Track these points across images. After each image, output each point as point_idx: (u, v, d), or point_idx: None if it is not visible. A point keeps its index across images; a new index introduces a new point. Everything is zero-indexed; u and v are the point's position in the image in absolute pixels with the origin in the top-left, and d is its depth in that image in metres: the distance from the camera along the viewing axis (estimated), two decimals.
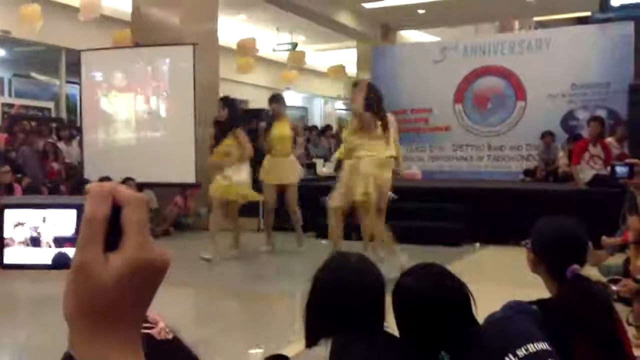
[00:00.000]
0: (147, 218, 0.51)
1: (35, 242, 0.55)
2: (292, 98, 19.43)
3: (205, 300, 5.30)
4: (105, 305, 0.48)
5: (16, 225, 0.55)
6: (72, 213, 0.54)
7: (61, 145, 9.69)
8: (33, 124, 10.64)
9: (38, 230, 0.55)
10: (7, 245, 0.55)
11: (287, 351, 2.86)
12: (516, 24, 16.33)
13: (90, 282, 0.48)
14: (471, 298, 1.58)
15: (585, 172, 7.64)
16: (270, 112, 7.06)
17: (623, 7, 10.13)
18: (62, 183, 8.61)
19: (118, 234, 0.49)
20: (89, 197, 0.49)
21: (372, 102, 5.42)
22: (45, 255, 0.56)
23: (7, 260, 0.56)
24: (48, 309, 4.43)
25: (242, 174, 6.51)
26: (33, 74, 14.67)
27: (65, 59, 13.10)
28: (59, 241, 0.55)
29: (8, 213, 0.55)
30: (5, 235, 0.55)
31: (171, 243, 7.98)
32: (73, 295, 0.48)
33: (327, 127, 14.12)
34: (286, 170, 6.81)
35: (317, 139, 12.24)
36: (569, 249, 1.88)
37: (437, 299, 1.55)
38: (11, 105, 12.92)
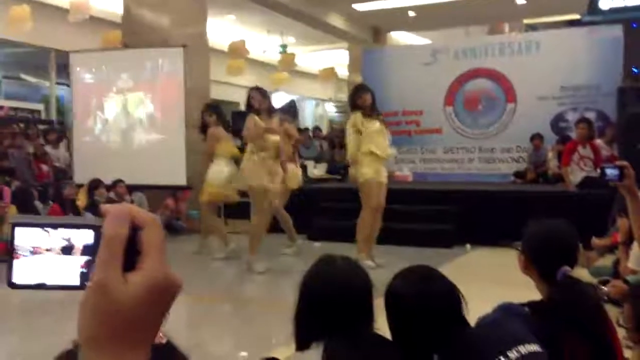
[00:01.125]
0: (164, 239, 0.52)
1: (66, 251, 0.53)
2: (283, 100, 19.42)
3: (197, 304, 5.28)
4: (123, 325, 0.48)
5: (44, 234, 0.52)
6: (90, 233, 0.52)
7: (48, 148, 9.63)
8: (22, 125, 10.57)
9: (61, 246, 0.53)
10: (37, 253, 0.52)
11: (278, 354, 2.86)
12: (506, 26, 16.42)
13: (109, 301, 0.48)
14: (462, 300, 1.58)
15: (575, 174, 7.68)
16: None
17: (612, 10, 10.22)
18: (51, 185, 8.54)
19: (135, 255, 0.50)
20: (108, 218, 0.50)
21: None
22: (67, 273, 0.53)
23: (18, 279, 0.52)
24: (40, 313, 4.40)
25: (211, 172, 6.66)
26: (22, 76, 14.58)
27: (55, 60, 13.03)
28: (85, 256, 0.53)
29: (19, 231, 0.52)
30: (39, 245, 0.52)
31: None
32: (91, 314, 0.49)
33: (317, 129, 14.12)
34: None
35: (308, 141, 12.23)
36: (560, 250, 1.89)
37: (428, 301, 1.55)
38: (0, 107, 12.83)
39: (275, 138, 6.06)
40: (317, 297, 1.58)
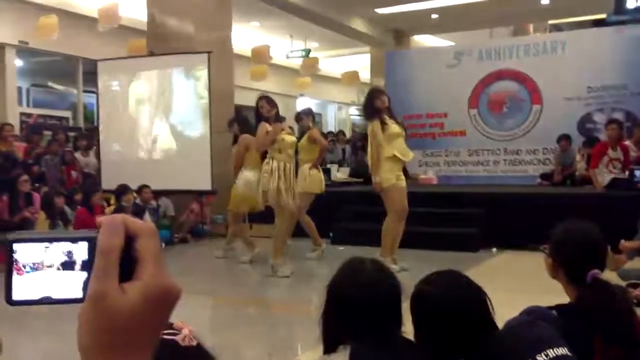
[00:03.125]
0: (160, 247, 0.52)
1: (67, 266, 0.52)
2: (306, 104, 19.48)
3: (223, 307, 5.32)
4: (122, 334, 0.49)
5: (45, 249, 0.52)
6: (84, 246, 0.52)
7: (78, 155, 9.79)
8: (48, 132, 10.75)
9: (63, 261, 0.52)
10: (37, 268, 0.51)
11: (307, 357, 2.87)
12: (531, 27, 16.25)
13: (108, 313, 0.48)
14: (489, 304, 1.57)
15: (604, 177, 7.57)
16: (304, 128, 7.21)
17: (638, 9, 10.05)
18: (78, 192, 8.64)
19: (131, 264, 0.50)
20: (102, 229, 0.50)
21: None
22: (69, 287, 0.52)
23: (18, 295, 0.52)
24: (65, 317, 4.48)
25: (240, 181, 6.69)
26: (51, 84, 14.86)
27: (82, 68, 13.26)
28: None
29: (18, 247, 0.51)
30: (37, 260, 0.52)
31: (188, 250, 8.03)
32: (90, 326, 0.49)
33: (340, 133, 14.12)
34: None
35: (331, 144, 12.25)
36: (588, 253, 1.87)
37: (456, 306, 1.54)
38: (29, 115, 13.08)
39: (292, 138, 6.07)
40: (346, 299, 1.58)
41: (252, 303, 5.40)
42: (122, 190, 7.78)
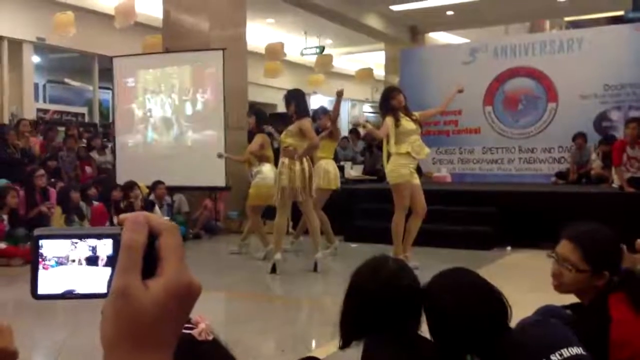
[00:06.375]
0: (182, 244, 0.52)
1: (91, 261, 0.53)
2: (319, 102, 19.48)
3: (237, 302, 5.34)
4: (145, 330, 0.49)
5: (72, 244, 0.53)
6: (109, 242, 0.53)
7: (94, 154, 9.86)
8: (62, 128, 10.85)
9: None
10: (62, 263, 0.52)
11: (319, 353, 2.88)
12: (547, 24, 16.12)
13: (131, 308, 0.49)
14: (505, 304, 1.55)
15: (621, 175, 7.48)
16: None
17: None
18: (92, 186, 8.70)
19: (154, 261, 0.51)
20: (125, 226, 0.51)
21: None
22: (94, 282, 0.53)
23: (43, 290, 0.53)
24: (85, 309, 4.51)
25: (257, 176, 6.78)
26: (67, 80, 14.99)
27: (98, 65, 13.37)
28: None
29: (44, 243, 0.52)
30: (61, 254, 0.52)
31: (202, 246, 8.08)
32: (113, 320, 0.50)
33: (353, 130, 14.07)
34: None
35: (345, 142, 12.23)
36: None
37: (465, 307, 1.52)
38: (46, 111, 13.21)
39: (288, 140, 6.04)
40: (366, 295, 1.59)
41: (266, 298, 5.42)
42: (130, 186, 7.85)
